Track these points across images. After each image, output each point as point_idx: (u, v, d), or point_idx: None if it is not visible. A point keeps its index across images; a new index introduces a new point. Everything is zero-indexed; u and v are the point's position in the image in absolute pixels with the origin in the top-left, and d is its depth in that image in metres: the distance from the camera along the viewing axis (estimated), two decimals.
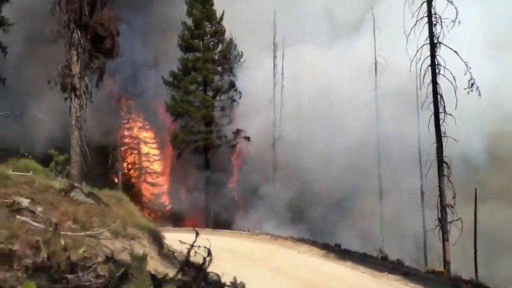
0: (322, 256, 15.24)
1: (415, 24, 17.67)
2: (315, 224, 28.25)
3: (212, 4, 31.06)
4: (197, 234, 5.59)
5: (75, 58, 11.78)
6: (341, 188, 28.83)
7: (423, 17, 17.68)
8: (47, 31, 11.97)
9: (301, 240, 18.10)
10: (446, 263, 16.36)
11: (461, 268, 17.12)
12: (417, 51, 17.69)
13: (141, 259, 4.04)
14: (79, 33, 11.72)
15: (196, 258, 5.71)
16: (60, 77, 11.69)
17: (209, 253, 5.42)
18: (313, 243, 17.27)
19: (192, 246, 5.37)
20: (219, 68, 31.44)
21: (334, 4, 32.46)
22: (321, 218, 28.79)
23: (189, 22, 30.99)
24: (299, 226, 27.70)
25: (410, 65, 17.88)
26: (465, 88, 17.21)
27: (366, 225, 28.07)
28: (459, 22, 16.98)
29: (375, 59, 29.36)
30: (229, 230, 22.62)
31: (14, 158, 11.85)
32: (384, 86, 29.40)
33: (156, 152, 38.19)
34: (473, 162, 27.65)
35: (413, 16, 17.76)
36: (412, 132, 26.68)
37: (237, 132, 30.90)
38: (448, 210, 16.90)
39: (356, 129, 29.43)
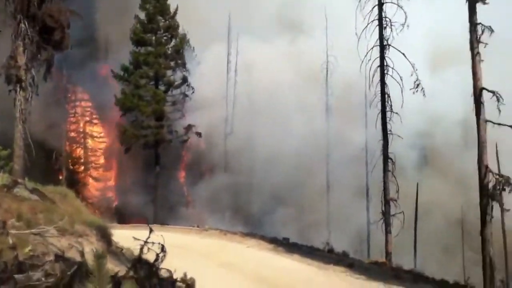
0: (271, 250, 15.60)
1: (366, 26, 18.44)
2: (263, 219, 28.75)
3: None
4: (151, 230, 5.64)
5: (21, 49, 11.34)
6: (289, 184, 29.45)
7: (374, 20, 18.47)
8: None
9: (250, 235, 18.42)
10: (388, 254, 17.26)
11: (402, 259, 18.13)
12: (367, 52, 18.48)
13: (101, 257, 4.07)
14: (26, 23, 11.29)
15: (147, 255, 5.76)
16: (5, 69, 11.22)
17: (163, 249, 5.50)
18: (262, 238, 17.63)
19: (145, 242, 5.43)
20: (172, 63, 31.08)
21: (289, 3, 32.88)
22: (269, 213, 29.30)
23: (142, 16, 30.41)
24: (247, 221, 28.11)
25: (360, 65, 18.64)
26: (410, 88, 18.15)
27: (313, 220, 28.86)
28: (408, 26, 17.91)
29: (327, 59, 30.13)
30: (178, 226, 22.52)
31: None
32: (335, 85, 30.27)
33: (103, 146, 37.31)
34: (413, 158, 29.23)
35: (364, 18, 18.52)
36: (360, 130, 27.73)
37: (189, 127, 30.70)
38: (391, 204, 17.83)
39: (305, 126, 30.15)
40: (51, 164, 30.82)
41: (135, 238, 5.46)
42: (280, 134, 29.92)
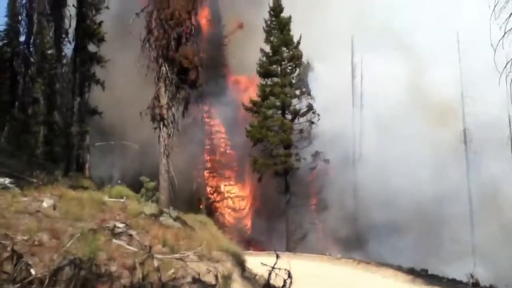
0: (408, 281, 14.67)
1: (503, 36, 16.81)
2: (403, 248, 27.14)
3: (289, 30, 31.71)
4: (277, 256, 5.74)
5: (163, 90, 12.64)
6: (428, 209, 27.62)
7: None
8: (138, 67, 12.99)
9: (386, 265, 17.52)
10: None
11: None
12: (506, 64, 16.78)
13: (227, 277, 4.27)
14: (166, 66, 12.60)
15: (276, 281, 5.85)
16: (150, 109, 12.59)
17: (289, 275, 5.53)
18: (398, 268, 16.65)
19: (273, 268, 5.52)
20: (297, 92, 31.79)
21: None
22: (408, 241, 27.59)
23: (267, 48, 31.84)
24: (377, 251, 26.88)
25: (499, 79, 16.95)
26: None
27: (455, 250, 26.46)
28: None
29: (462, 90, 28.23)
30: (310, 254, 22.40)
31: (109, 185, 12.89)
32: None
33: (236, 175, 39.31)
34: None
35: (500, 28, 16.93)
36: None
37: (316, 154, 30.83)
38: None
39: (436, 157, 28.40)
40: (192, 194, 33.30)
41: (263, 264, 5.59)
42: (412, 158, 28.44)
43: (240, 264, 10.76)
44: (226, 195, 38.91)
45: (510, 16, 16.79)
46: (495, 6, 16.47)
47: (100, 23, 24.13)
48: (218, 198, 38.87)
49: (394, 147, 29.02)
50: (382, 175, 28.79)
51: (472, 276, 15.80)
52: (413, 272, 16.00)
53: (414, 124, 29.40)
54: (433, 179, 28.19)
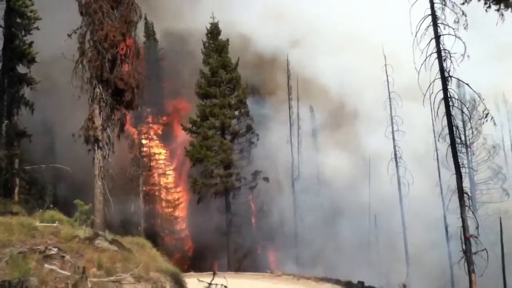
0: None
1: (425, 60, 18.15)
2: (336, 262, 27.97)
3: (227, 53, 32.29)
4: (214, 273, 5.87)
5: (97, 111, 12.49)
6: (362, 223, 28.75)
7: (432, 53, 18.17)
8: (71, 88, 12.74)
9: (324, 279, 18.01)
10: None
11: None
12: (429, 85, 18.08)
13: None
14: (101, 87, 12.49)
15: None
16: (84, 130, 12.36)
17: None
18: (336, 282, 17.20)
19: (210, 284, 5.64)
20: (236, 113, 32.23)
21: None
22: (343, 255, 28.49)
23: (206, 70, 32.15)
24: (322, 265, 27.51)
25: (423, 99, 18.22)
26: (479, 119, 17.35)
27: (389, 260, 27.67)
28: (468, 56, 17.40)
29: (389, 95, 29.81)
30: (251, 273, 22.53)
31: (41, 210, 12.39)
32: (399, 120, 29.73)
33: (177, 197, 38.82)
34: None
35: (422, 53, 18.28)
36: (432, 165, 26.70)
37: (256, 173, 31.26)
38: (472, 240, 16.67)
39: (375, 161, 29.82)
40: (129, 216, 32.41)
41: (199, 280, 5.70)
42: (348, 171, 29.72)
43: (179, 284, 10.71)
44: (164, 217, 38.29)
45: (430, 41, 18.24)
46: (416, 33, 17.84)
47: (30, 44, 23.28)
48: (157, 221, 38.09)
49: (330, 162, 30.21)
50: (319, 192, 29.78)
51: (404, 286, 16.61)
52: (350, 285, 16.57)
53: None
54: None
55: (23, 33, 22.88)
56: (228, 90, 32.24)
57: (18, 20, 22.52)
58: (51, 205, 13.31)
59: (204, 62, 32.28)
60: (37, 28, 23.31)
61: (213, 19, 32.27)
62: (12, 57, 21.78)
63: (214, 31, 32.34)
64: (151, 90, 32.24)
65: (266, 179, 31.34)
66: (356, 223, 29.63)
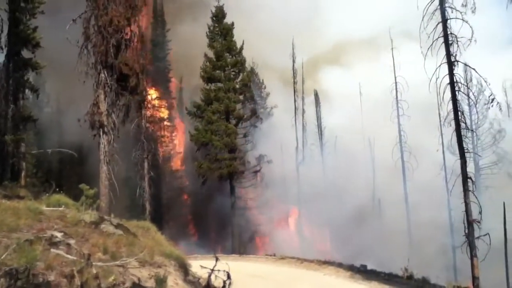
0: (348, 277, 15.30)
1: (432, 44, 17.98)
2: (343, 244, 28.16)
3: (232, 36, 32.07)
4: (216, 259, 5.97)
5: (102, 96, 12.56)
6: (365, 205, 28.94)
7: (439, 37, 17.99)
8: (76, 73, 12.77)
9: (327, 262, 18.15)
10: (475, 279, 16.12)
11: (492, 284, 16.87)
12: (435, 70, 17.95)
13: (162, 281, 4.43)
14: (105, 73, 12.52)
15: (217, 283, 6.06)
16: (89, 116, 12.44)
17: (229, 277, 5.77)
18: (339, 265, 17.31)
19: (212, 270, 5.74)
20: (241, 97, 32.17)
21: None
22: (348, 237, 28.67)
23: (211, 54, 32.00)
24: (327, 247, 27.75)
25: (429, 84, 18.11)
26: (485, 104, 17.23)
27: (392, 244, 27.84)
28: (475, 41, 17.20)
29: (395, 80, 29.65)
30: (255, 256, 22.76)
31: (47, 194, 12.55)
32: (405, 105, 29.62)
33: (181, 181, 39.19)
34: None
35: (429, 37, 18.10)
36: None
37: (260, 157, 31.32)
38: (475, 225, 16.75)
39: (379, 146, 29.77)
40: (135, 200, 32.67)
41: (202, 267, 5.79)
42: (353, 157, 29.73)
43: (184, 268, 10.88)
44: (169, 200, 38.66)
45: (437, 25, 18.04)
46: (423, 17, 17.63)
47: (35, 28, 23.20)
48: (163, 203, 38.42)
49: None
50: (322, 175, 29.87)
51: (406, 270, 16.72)
52: (352, 269, 16.71)
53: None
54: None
55: (27, 17, 22.78)
56: (233, 74, 32.16)
57: (22, 4, 22.39)
58: (57, 189, 13.46)
59: (209, 45, 32.13)
60: (42, 12, 23.20)
61: (218, 1, 32.08)
62: (17, 42, 21.73)
63: (219, 14, 32.12)
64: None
65: (270, 161, 31.37)
66: (359, 202, 29.71)
